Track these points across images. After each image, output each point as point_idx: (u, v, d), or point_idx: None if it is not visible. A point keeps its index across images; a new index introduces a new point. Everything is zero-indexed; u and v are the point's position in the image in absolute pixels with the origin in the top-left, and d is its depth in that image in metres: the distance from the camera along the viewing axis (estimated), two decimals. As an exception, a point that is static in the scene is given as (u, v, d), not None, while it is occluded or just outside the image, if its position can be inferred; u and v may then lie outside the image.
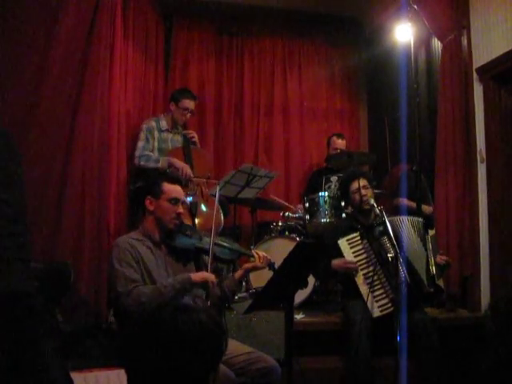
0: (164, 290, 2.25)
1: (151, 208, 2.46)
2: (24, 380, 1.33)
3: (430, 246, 3.17)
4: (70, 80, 3.21)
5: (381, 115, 5.18)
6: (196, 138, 4.28)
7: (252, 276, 3.64)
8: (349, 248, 3.13)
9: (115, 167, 3.64)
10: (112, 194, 3.54)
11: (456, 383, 3.04)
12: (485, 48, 3.68)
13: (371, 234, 3.09)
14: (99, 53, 3.35)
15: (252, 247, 3.75)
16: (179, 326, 1.11)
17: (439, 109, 3.93)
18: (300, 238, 3.96)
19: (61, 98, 3.17)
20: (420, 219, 3.27)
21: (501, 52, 3.49)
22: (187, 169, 3.96)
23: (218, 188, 3.05)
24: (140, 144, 4.05)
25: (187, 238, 2.50)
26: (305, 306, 3.64)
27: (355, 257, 3.11)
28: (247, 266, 2.54)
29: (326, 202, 3.99)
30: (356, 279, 3.08)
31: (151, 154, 4.05)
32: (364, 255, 3.11)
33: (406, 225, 3.18)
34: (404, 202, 3.84)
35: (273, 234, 4.09)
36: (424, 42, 4.52)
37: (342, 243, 3.13)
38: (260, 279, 3.39)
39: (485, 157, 3.69)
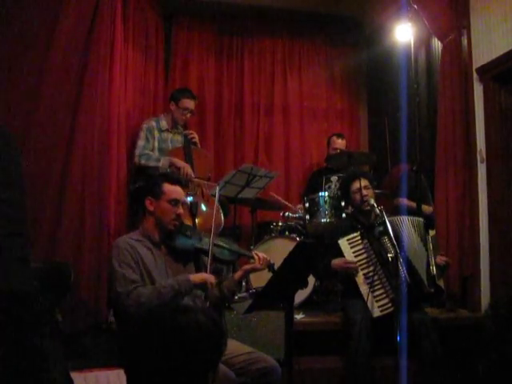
0: (163, 290, 2.25)
1: (151, 208, 2.45)
2: (24, 380, 1.33)
3: (430, 246, 3.17)
4: (70, 80, 3.21)
5: (381, 115, 5.18)
6: (196, 139, 4.27)
7: (252, 276, 3.63)
8: (349, 248, 3.13)
9: (115, 167, 3.64)
10: (112, 194, 3.54)
11: (456, 383, 3.04)
12: (485, 48, 3.67)
13: (371, 234, 3.09)
14: (99, 53, 3.35)
15: (252, 247, 3.76)
16: (178, 326, 1.11)
17: (439, 109, 3.93)
18: (300, 238, 3.95)
19: (61, 98, 3.17)
20: (420, 219, 3.28)
21: (501, 52, 3.49)
22: (188, 168, 3.96)
23: (218, 188, 3.05)
24: (140, 143, 4.04)
25: (187, 238, 2.50)
26: (305, 306, 3.64)
27: (355, 257, 3.11)
28: (247, 267, 2.54)
29: (326, 201, 3.99)
30: (356, 279, 3.08)
31: (151, 153, 4.05)
32: (364, 255, 3.11)
33: (407, 225, 3.18)
34: (404, 202, 3.83)
35: (273, 234, 4.09)
36: (424, 42, 4.52)
37: (343, 243, 3.13)
38: (260, 279, 3.38)
39: (485, 157, 3.69)
